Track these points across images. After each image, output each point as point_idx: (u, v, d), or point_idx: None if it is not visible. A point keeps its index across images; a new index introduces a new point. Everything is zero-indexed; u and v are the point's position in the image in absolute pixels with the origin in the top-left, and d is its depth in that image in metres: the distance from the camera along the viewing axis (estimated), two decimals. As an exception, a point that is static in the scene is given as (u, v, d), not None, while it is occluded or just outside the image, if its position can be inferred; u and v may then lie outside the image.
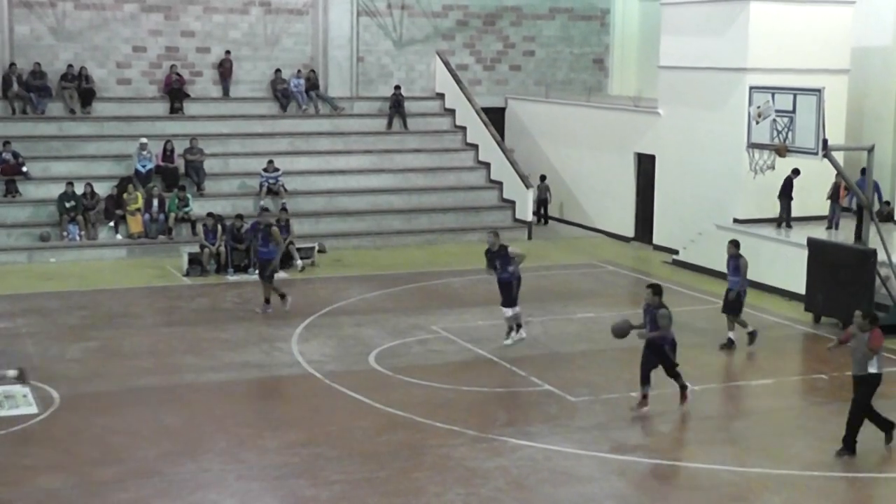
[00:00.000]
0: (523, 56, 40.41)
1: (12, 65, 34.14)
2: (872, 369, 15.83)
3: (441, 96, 38.58)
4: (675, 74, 31.60)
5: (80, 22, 35.43)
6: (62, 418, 17.44)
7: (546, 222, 36.52)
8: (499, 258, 21.39)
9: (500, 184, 35.65)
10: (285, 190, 32.94)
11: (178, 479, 15.02)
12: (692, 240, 30.09)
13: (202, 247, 28.69)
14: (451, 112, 38.04)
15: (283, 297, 24.54)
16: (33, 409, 17.72)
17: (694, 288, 27.32)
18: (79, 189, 30.99)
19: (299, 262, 29.10)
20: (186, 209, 31.43)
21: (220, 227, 29.08)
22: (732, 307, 21.91)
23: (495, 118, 38.11)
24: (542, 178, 36.74)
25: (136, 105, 35.53)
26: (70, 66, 34.80)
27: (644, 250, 32.54)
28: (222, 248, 28.69)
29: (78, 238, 30.53)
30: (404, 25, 38.63)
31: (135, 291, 26.82)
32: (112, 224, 30.99)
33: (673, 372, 17.89)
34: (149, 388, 19.22)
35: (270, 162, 33.12)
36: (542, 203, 36.48)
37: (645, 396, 17.78)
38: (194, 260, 28.51)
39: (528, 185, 34.67)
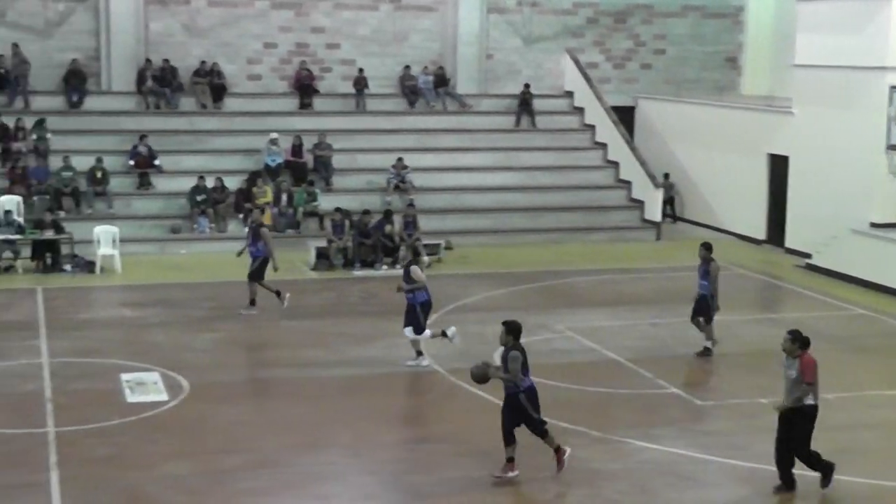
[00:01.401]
0: (653, 54, 39.88)
1: (147, 61, 34.78)
2: (809, 401, 14.20)
3: (570, 94, 38.27)
4: (811, 73, 30.84)
5: (212, 19, 35.94)
6: (190, 407, 17.67)
7: (675, 220, 36.03)
8: (405, 276, 20.28)
9: (628, 183, 35.23)
10: (413, 186, 32.99)
11: (301, 471, 15.09)
12: (826, 244, 29.34)
13: (329, 241, 28.88)
14: (580, 111, 37.71)
15: (278, 294, 24.21)
16: (163, 397, 17.99)
17: (827, 293, 26.63)
18: (209, 183, 31.45)
19: (426, 259, 29.07)
20: (314, 204, 31.68)
21: (347, 222, 29.25)
22: (701, 312, 21.05)
23: (624, 117, 37.66)
24: (666, 176, 36.23)
25: (266, 100, 35.92)
26: (202, 62, 35.33)
27: (775, 253, 31.83)
28: (349, 243, 28.85)
29: (207, 230, 30.99)
30: (533, 23, 38.38)
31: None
32: (241, 217, 31.38)
33: (539, 430, 15.04)
34: (274, 380, 19.39)
35: (400, 160, 33.23)
36: (668, 202, 35.98)
37: (510, 459, 14.91)
38: (321, 254, 28.71)
39: (656, 185, 34.21)
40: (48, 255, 27.81)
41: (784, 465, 14.50)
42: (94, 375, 19.25)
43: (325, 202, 31.68)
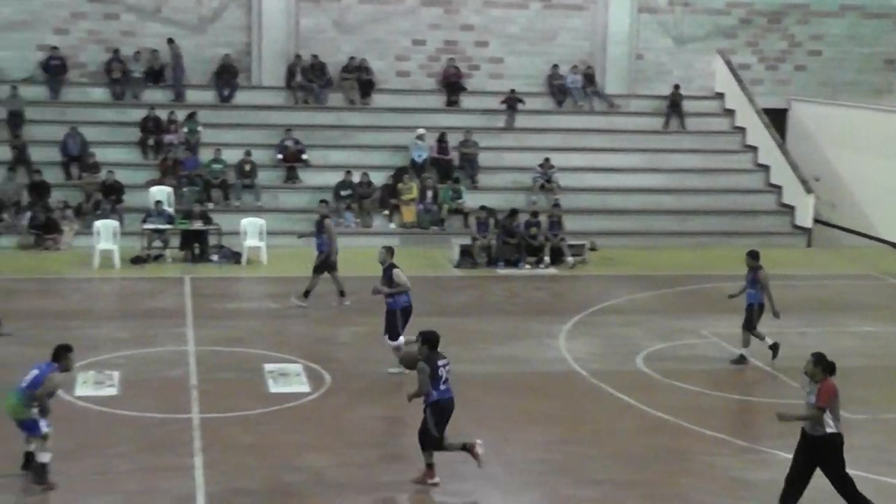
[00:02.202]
0: (808, 56, 38.88)
1: (297, 56, 35.18)
2: (830, 429, 13.12)
3: (720, 96, 37.55)
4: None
5: (362, 15, 36.18)
6: (331, 399, 17.75)
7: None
8: (385, 278, 19.31)
9: (778, 188, 34.43)
10: (558, 186, 32.74)
11: (440, 468, 14.99)
12: None
13: (473, 239, 28.80)
14: (730, 113, 36.98)
15: (342, 293, 24.12)
16: (305, 389, 18.12)
17: None
18: (355, 178, 31.66)
19: (570, 259, 28.86)
20: (459, 201, 31.67)
21: (492, 220, 29.16)
22: (749, 321, 20.40)
23: (776, 120, 36.78)
24: (815, 180, 35.23)
25: (413, 97, 36.01)
26: (351, 58, 35.58)
27: (933, 263, 30.77)
28: (493, 242, 28.74)
29: (353, 225, 31.20)
30: (685, 23, 37.75)
31: (400, 279, 27.16)
32: (386, 213, 31.53)
33: (424, 442, 14.47)
34: (414, 376, 19.29)
35: (547, 160, 33.02)
36: None
37: (430, 466, 14.55)
38: (465, 252, 28.66)
39: (808, 190, 33.36)
40: (196, 246, 28.32)
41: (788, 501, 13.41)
42: (238, 365, 19.49)
43: (470, 200, 31.64)
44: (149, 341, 20.87)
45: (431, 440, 14.41)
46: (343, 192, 31.48)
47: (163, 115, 32.96)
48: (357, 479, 14.62)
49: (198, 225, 28.56)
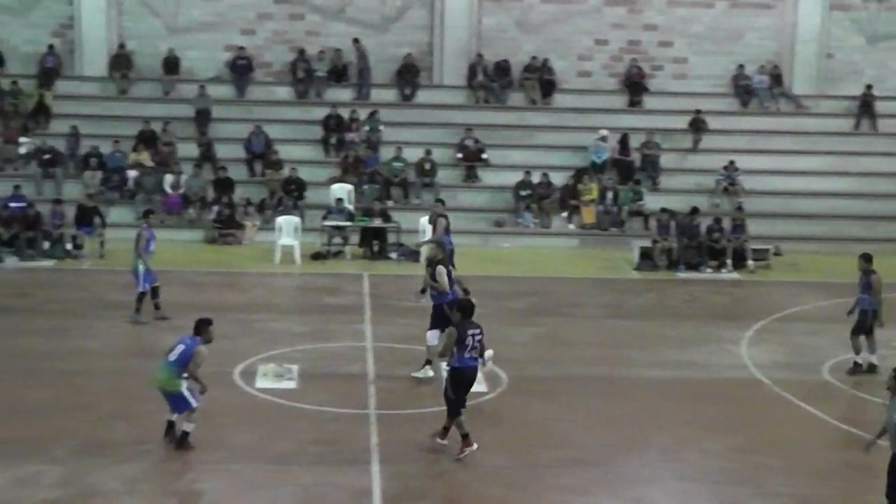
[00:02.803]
0: None
1: (479, 56, 35.15)
2: None
3: (916, 97, 36.15)
4: None
5: (545, 15, 35.95)
6: (508, 400, 17.59)
7: None
8: (430, 275, 18.56)
9: (976, 194, 32.97)
10: (742, 189, 31.97)
11: (617, 472, 14.73)
12: None
13: (654, 241, 28.32)
14: (927, 114, 35.57)
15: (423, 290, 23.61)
16: (482, 388, 17.95)
17: None
18: (535, 178, 31.49)
19: (751, 263, 28.13)
20: (640, 203, 31.21)
21: (673, 222, 28.63)
22: (862, 328, 19.26)
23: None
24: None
25: (595, 97, 35.62)
26: (533, 57, 35.40)
27: None
28: (674, 244, 28.22)
29: (532, 225, 31.04)
30: (880, 20, 36.39)
31: (583, 281, 26.91)
32: (565, 214, 31.27)
33: (451, 410, 14.96)
34: (592, 378, 19.05)
35: (731, 162, 32.31)
36: None
37: (464, 436, 15.00)
38: (645, 254, 28.19)
39: None
40: (375, 243, 28.54)
41: None
42: (415, 362, 19.46)
43: (651, 201, 31.15)
44: (327, 336, 21.06)
45: (451, 404, 14.87)
46: (522, 193, 31.35)
47: (345, 113, 33.34)
48: (535, 480, 14.43)
49: (377, 222, 28.80)
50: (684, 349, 20.89)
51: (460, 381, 14.88)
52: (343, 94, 34.90)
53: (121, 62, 34.56)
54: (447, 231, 23.57)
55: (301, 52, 34.93)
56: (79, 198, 29.41)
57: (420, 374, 18.34)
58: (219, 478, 14.17)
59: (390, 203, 30.79)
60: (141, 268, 21.35)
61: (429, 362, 18.32)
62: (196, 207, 30.56)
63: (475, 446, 14.85)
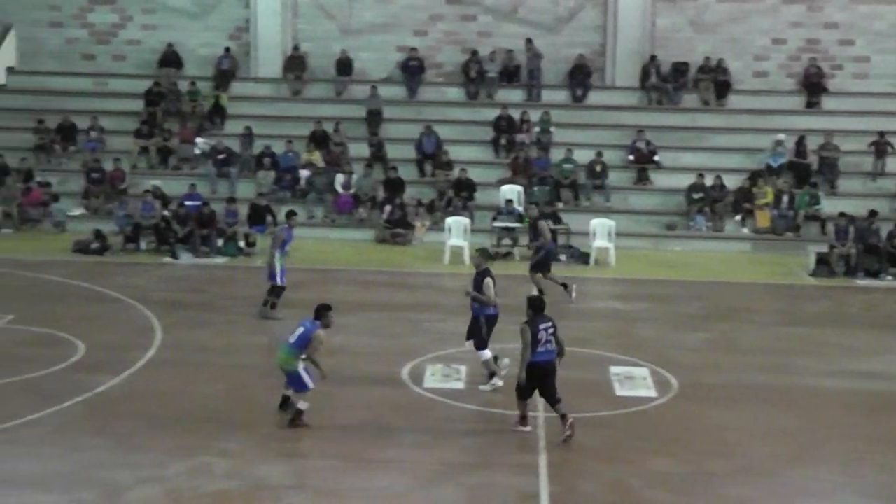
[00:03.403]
0: None
1: (652, 57, 34.67)
2: None
3: None
4: None
5: (720, 14, 35.28)
6: (677, 406, 17.22)
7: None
8: (475, 282, 17.95)
9: None
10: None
11: (788, 484, 14.27)
12: None
13: (831, 247, 27.47)
14: None
15: (565, 286, 23.66)
16: (652, 393, 17.67)
17: None
18: (708, 181, 30.91)
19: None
20: (817, 207, 30.33)
21: (851, 227, 27.73)
22: None
23: None
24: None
25: (771, 98, 34.81)
26: (707, 58, 34.77)
27: None
28: (853, 250, 27.33)
29: (704, 229, 30.48)
30: None
31: (756, 287, 26.28)
32: (739, 217, 30.60)
33: (517, 390, 15.59)
34: (764, 386, 18.52)
35: (916, 165, 31.27)
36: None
37: (522, 417, 15.84)
38: (822, 260, 27.36)
39: None
40: (544, 245, 28.32)
41: None
42: (583, 365, 19.22)
43: (829, 206, 30.23)
44: (496, 337, 20.82)
45: (520, 391, 15.47)
46: (695, 195, 30.80)
47: (516, 114, 33.27)
48: (705, 488, 14.08)
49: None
50: (862, 359, 20.18)
51: (535, 374, 15.32)
52: (514, 95, 34.83)
53: (295, 64, 35.16)
54: (536, 234, 23.90)
55: (473, 52, 34.98)
56: (251, 197, 29.98)
57: (486, 387, 17.71)
58: (387, 475, 14.19)
59: (560, 205, 30.57)
60: (278, 266, 21.70)
61: (492, 374, 17.78)
62: (366, 207, 30.86)
63: (528, 428, 15.59)
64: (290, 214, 23.00)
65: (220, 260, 27.67)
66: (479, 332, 17.65)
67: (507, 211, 29.08)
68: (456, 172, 31.46)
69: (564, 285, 23.97)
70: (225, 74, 35.06)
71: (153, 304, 22.58)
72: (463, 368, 18.66)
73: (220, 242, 28.27)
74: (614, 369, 18.88)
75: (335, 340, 19.87)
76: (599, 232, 28.31)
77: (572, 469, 14.57)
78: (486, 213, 29.79)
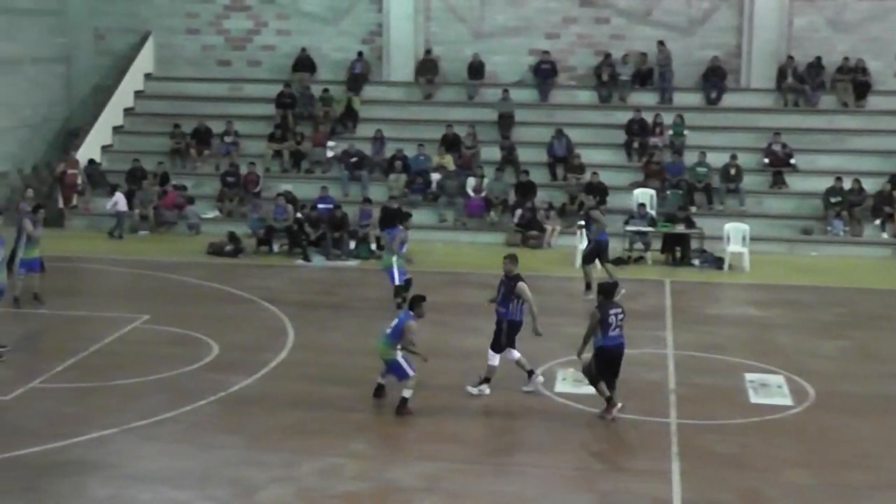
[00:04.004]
0: None
1: (789, 57, 33.96)
2: None
3: None
4: None
5: (860, 13, 34.39)
6: (814, 415, 16.80)
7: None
8: (504, 288, 17.45)
9: None
10: None
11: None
12: None
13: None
14: None
15: (588, 287, 23.58)
16: (787, 402, 17.27)
17: None
18: (846, 184, 30.17)
19: None
20: (959, 210, 29.43)
21: None
22: None
23: None
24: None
25: (913, 99, 33.86)
26: (845, 58, 33.93)
27: None
28: None
29: (841, 234, 29.76)
30: None
31: (896, 294, 25.59)
32: (878, 222, 29.79)
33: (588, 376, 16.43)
34: (905, 396, 17.99)
35: None
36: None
37: (608, 400, 16.31)
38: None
39: None
40: (677, 249, 27.96)
41: None
42: (717, 371, 18.92)
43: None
44: (627, 342, 20.67)
45: (590, 378, 16.16)
46: (832, 199, 30.09)
47: (648, 117, 32.89)
48: (843, 501, 13.69)
49: (680, 228, 28.20)
50: None
51: (604, 358, 16.06)
52: (647, 97, 34.45)
53: (427, 67, 35.28)
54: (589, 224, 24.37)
55: (606, 55, 34.68)
56: (383, 200, 30.13)
57: (529, 388, 17.49)
58: (518, 480, 14.09)
59: (693, 209, 30.12)
60: (395, 265, 22.50)
61: (530, 373, 17.56)
62: (497, 211, 30.79)
63: (619, 405, 16.15)
64: (407, 216, 23.72)
65: (351, 262, 27.85)
66: (499, 336, 17.32)
67: (640, 215, 28.74)
68: (588, 176, 31.21)
69: (588, 285, 24.02)
70: (357, 78, 35.33)
71: (285, 306, 22.82)
72: (594, 373, 18.45)
73: (351, 245, 28.46)
74: (749, 376, 18.50)
75: (468, 343, 19.92)
76: (734, 236, 27.81)
77: (705, 476, 14.30)
78: (619, 216, 29.47)
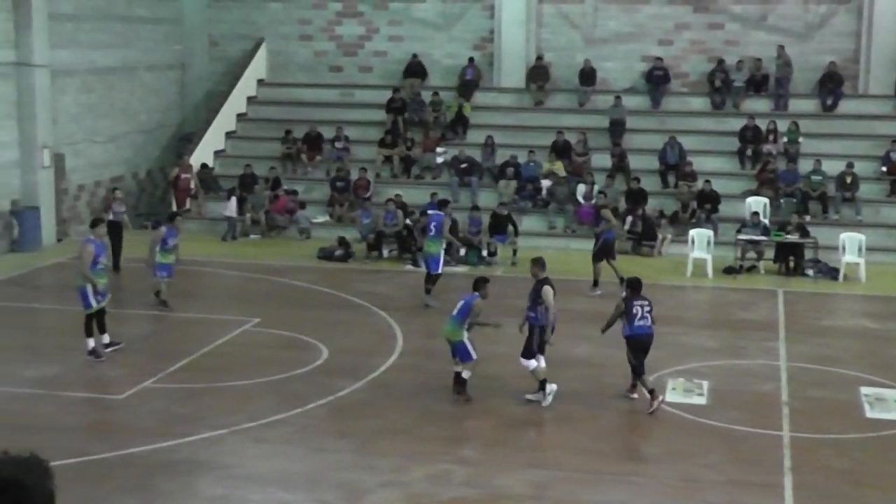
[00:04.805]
0: None
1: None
2: None
3: None
4: None
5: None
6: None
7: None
8: (532, 292, 17.27)
9: None
10: None
11: None
12: None
13: None
14: None
15: (595, 283, 24.62)
16: (904, 416, 16.85)
17: None
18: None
19: None
20: None
21: None
22: None
23: None
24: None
25: None
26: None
27: None
28: None
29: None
30: None
31: None
32: None
33: (635, 371, 17.22)
34: None
35: None
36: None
37: (651, 391, 16.79)
38: None
39: None
40: (791, 259, 27.44)
41: None
42: (831, 384, 18.51)
43: None
44: (739, 353, 20.40)
45: (633, 367, 16.83)
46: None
47: (762, 124, 32.37)
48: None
49: (793, 237, 27.67)
50: None
51: (635, 345, 16.98)
52: (760, 104, 33.90)
53: (538, 74, 35.16)
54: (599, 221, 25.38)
55: (719, 61, 34.22)
56: (493, 206, 30.07)
57: (533, 397, 17.14)
58: (626, 490, 13.93)
59: (808, 218, 29.55)
60: (441, 255, 23.60)
61: (542, 384, 17.08)
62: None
63: (661, 398, 16.74)
64: (444, 203, 25.02)
65: (460, 268, 27.81)
66: (530, 342, 17.07)
67: (753, 224, 28.26)
68: (700, 184, 30.81)
69: (596, 282, 24.69)
70: (468, 84, 35.34)
71: (395, 311, 22.89)
72: (705, 384, 18.21)
73: (461, 251, 28.44)
74: (865, 390, 18.06)
75: (578, 351, 19.77)
76: (849, 246, 27.22)
77: (819, 492, 14.00)
78: (731, 225, 29.04)
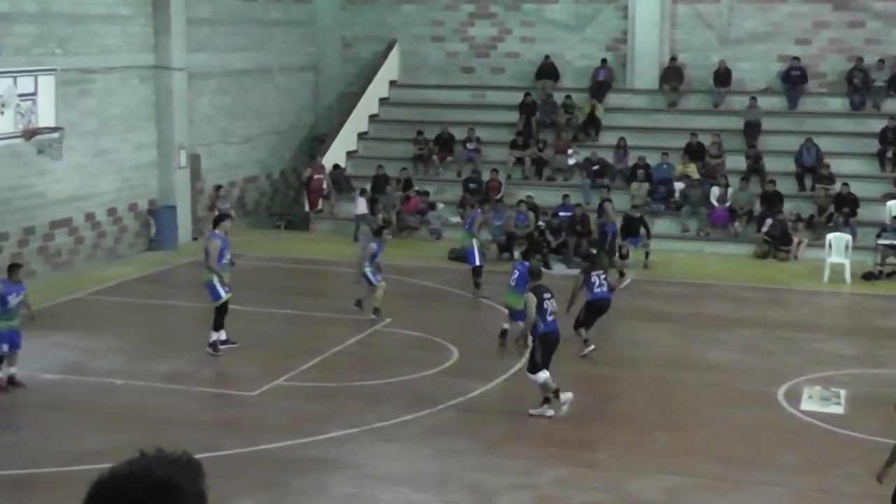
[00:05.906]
0: None
1: None
2: None
3: None
4: None
5: None
6: None
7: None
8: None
9: None
10: None
11: None
12: None
13: None
14: None
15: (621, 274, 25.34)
16: None
17: None
18: None
19: None
20: None
21: None
22: None
23: None
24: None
25: None
26: None
27: None
28: None
29: None
30: None
31: None
32: None
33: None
34: None
35: None
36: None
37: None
38: None
39: None
40: (934, 264, 26.62)
41: None
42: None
43: None
44: (878, 361, 19.84)
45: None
46: None
47: (904, 127, 31.46)
48: None
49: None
50: None
51: (597, 309, 19.11)
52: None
53: (671, 75, 34.70)
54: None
55: (859, 60, 33.36)
56: (625, 209, 29.75)
57: (537, 412, 16.42)
58: (760, 499, 13.66)
59: (951, 222, 28.65)
60: (475, 247, 24.25)
61: (545, 399, 16.33)
62: (742, 221, 30.00)
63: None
64: (484, 200, 26.92)
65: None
66: (533, 353, 16.44)
67: (893, 228, 27.47)
68: (837, 186, 30.05)
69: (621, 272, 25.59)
70: (601, 86, 35.04)
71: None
72: (843, 392, 17.73)
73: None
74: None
75: (710, 356, 19.44)
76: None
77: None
78: (870, 229, 28.28)
